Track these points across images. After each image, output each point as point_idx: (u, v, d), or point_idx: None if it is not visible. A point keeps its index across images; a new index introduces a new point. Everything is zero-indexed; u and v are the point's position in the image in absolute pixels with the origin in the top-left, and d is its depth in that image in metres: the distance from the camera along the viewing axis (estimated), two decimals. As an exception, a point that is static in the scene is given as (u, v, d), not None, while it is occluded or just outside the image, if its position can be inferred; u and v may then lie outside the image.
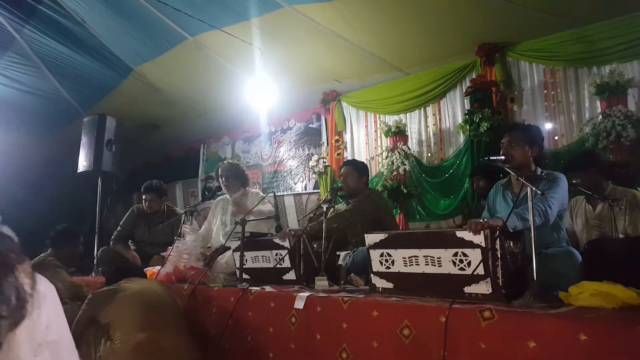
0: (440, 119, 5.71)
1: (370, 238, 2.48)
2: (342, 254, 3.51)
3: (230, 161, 4.95)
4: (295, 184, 7.10)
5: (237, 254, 3.31)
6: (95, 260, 4.90)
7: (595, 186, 3.42)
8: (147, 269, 3.88)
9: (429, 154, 5.77)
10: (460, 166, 5.31)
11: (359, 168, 3.82)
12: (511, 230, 2.15)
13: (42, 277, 1.23)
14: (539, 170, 2.68)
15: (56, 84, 6.60)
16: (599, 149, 4.18)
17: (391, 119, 5.98)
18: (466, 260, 2.11)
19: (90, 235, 5.36)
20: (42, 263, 3.93)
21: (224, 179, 4.24)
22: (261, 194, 4.35)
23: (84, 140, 5.78)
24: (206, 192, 7.77)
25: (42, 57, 6.13)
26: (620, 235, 3.24)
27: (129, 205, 5.36)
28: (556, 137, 4.77)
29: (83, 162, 5.70)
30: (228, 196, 4.30)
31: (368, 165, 4.93)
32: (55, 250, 4.15)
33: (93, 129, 5.71)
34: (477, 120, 4.87)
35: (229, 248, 3.68)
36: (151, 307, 2.78)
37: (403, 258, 2.33)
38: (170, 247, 3.77)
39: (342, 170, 3.89)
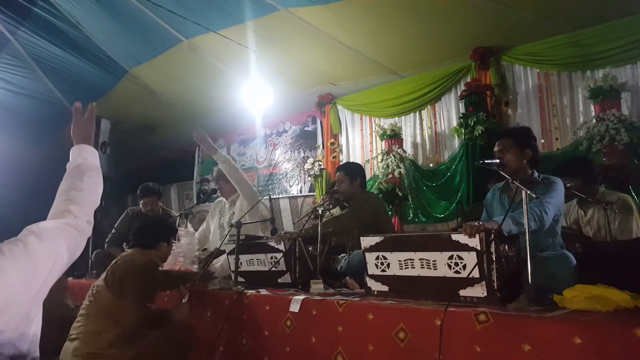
0: (435, 123, 5.72)
1: (366, 241, 2.48)
2: (338, 257, 3.51)
3: None
4: (290, 186, 7.09)
5: (232, 257, 3.30)
6: (89, 263, 4.87)
7: (585, 191, 3.44)
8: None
9: (425, 157, 5.78)
10: (457, 170, 5.32)
11: (350, 172, 3.74)
12: (506, 234, 2.15)
13: None
14: (536, 174, 2.68)
15: (50, 86, 6.58)
16: (593, 153, 4.20)
17: (386, 122, 5.99)
18: (461, 263, 2.12)
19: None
20: None
21: (214, 182, 4.24)
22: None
23: (78, 143, 5.75)
24: (201, 195, 7.74)
25: (36, 59, 6.11)
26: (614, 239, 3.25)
27: (123, 207, 5.35)
28: (550, 141, 4.79)
29: (77, 165, 5.68)
30: (225, 199, 4.29)
31: (363, 167, 4.91)
32: None
33: (87, 131, 5.68)
34: (472, 124, 4.89)
35: (224, 251, 3.67)
36: None
37: (399, 261, 2.34)
38: (165, 250, 3.75)
39: (336, 176, 3.88)
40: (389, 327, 2.10)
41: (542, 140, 4.76)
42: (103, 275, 2.86)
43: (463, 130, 5.04)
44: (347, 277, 3.08)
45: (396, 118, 6.00)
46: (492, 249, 2.05)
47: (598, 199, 3.40)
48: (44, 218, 1.36)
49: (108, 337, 2.59)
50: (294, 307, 2.54)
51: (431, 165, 5.70)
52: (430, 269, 2.22)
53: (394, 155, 5.68)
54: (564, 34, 4.56)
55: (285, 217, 7.05)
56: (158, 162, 9.12)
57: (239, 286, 3.13)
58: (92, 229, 1.43)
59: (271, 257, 3.17)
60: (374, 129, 6.17)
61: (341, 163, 5.90)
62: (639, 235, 3.27)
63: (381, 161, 5.87)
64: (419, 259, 2.26)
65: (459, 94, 5.32)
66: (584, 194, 3.40)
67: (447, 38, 5.00)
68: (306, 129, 7.06)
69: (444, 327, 1.90)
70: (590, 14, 4.28)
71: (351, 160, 6.17)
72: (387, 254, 2.38)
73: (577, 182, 3.41)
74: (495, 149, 2.73)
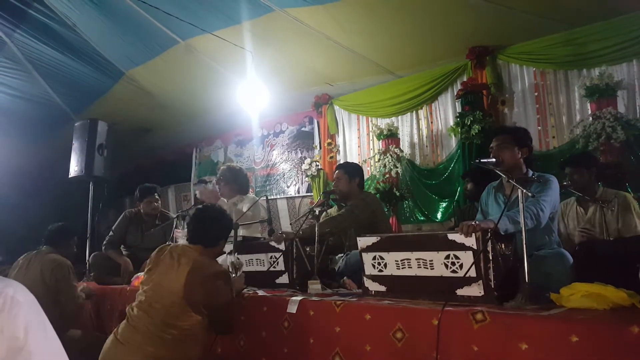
0: (432, 122, 5.73)
1: (363, 241, 2.49)
2: (336, 257, 3.51)
3: (229, 165, 4.91)
4: (288, 187, 7.10)
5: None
6: (87, 266, 4.86)
7: (587, 188, 3.44)
8: (138, 274, 3.85)
9: (421, 157, 5.78)
10: (454, 169, 5.33)
11: (349, 171, 3.75)
12: (502, 233, 2.15)
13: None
14: (530, 172, 2.69)
15: (47, 89, 6.57)
16: (590, 151, 4.21)
17: (383, 122, 5.99)
18: (458, 262, 2.12)
19: (82, 240, 5.31)
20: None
21: (214, 183, 4.23)
22: (255, 197, 4.33)
23: (75, 145, 5.76)
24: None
25: (32, 61, 6.10)
26: (612, 237, 3.25)
27: (120, 210, 5.33)
28: (547, 139, 4.80)
29: (74, 167, 5.69)
30: (225, 200, 4.28)
31: (362, 169, 4.91)
32: (49, 248, 4.01)
33: (84, 133, 5.69)
34: (469, 123, 4.90)
35: (223, 252, 3.66)
36: None
37: (395, 261, 2.34)
38: (162, 252, 3.73)
39: (334, 174, 3.89)
40: (387, 327, 2.10)
41: (539, 139, 4.77)
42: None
43: (460, 130, 5.04)
44: (345, 278, 3.08)
45: (393, 118, 6.01)
46: (489, 248, 2.05)
47: (597, 198, 3.40)
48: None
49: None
50: (292, 308, 2.53)
51: (428, 164, 5.71)
52: (427, 268, 2.22)
53: (390, 155, 5.68)
54: (559, 32, 4.57)
55: (283, 217, 7.06)
56: (155, 164, 9.12)
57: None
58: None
59: (270, 257, 3.16)
60: (371, 129, 6.18)
61: (339, 163, 5.90)
62: (638, 233, 3.27)
63: (378, 161, 5.88)
64: (416, 259, 2.26)
65: (455, 94, 5.33)
66: (584, 192, 3.41)
67: (443, 37, 5.00)
68: (303, 129, 7.06)
69: (441, 327, 1.90)
70: (586, 12, 4.29)
71: (348, 160, 6.18)
72: (384, 254, 2.39)
73: (587, 176, 3.43)
74: (493, 144, 2.73)
